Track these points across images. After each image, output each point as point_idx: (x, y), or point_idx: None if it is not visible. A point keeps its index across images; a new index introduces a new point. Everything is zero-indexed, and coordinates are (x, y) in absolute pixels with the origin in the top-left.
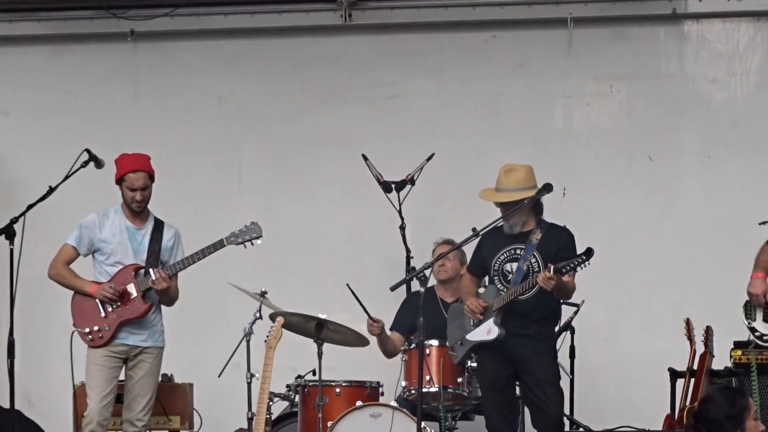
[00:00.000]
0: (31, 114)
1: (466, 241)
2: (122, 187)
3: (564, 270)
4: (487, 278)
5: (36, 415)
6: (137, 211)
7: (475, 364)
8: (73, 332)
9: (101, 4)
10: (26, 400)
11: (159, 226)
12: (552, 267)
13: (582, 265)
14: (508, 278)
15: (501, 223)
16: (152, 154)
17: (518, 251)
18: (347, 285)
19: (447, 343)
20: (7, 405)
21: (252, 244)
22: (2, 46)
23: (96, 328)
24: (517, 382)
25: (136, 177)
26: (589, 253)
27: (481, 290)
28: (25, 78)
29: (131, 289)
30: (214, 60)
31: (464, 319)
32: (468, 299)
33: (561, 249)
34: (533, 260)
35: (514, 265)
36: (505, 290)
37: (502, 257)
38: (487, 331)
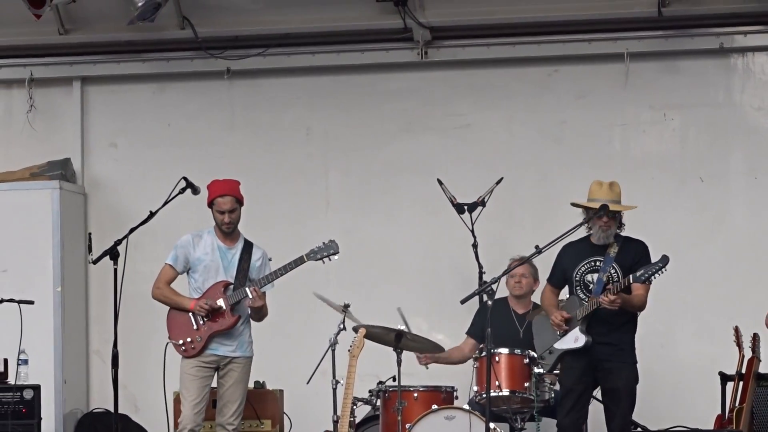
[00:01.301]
0: (136, 145)
1: (531, 257)
2: (213, 210)
3: (643, 278)
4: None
5: (142, 419)
6: (227, 232)
7: (540, 370)
8: (167, 344)
9: (200, 45)
10: (133, 405)
11: (248, 247)
12: (630, 277)
13: (659, 272)
14: (589, 288)
15: (577, 235)
16: (245, 181)
17: (598, 263)
18: (398, 309)
19: (536, 354)
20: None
21: (330, 259)
22: (111, 84)
23: (189, 339)
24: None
25: (223, 201)
26: (664, 260)
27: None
28: (131, 113)
29: (221, 303)
30: (302, 95)
31: (549, 330)
32: (552, 312)
33: (638, 261)
34: (612, 271)
35: (595, 275)
36: (586, 300)
37: (583, 268)
38: (575, 339)
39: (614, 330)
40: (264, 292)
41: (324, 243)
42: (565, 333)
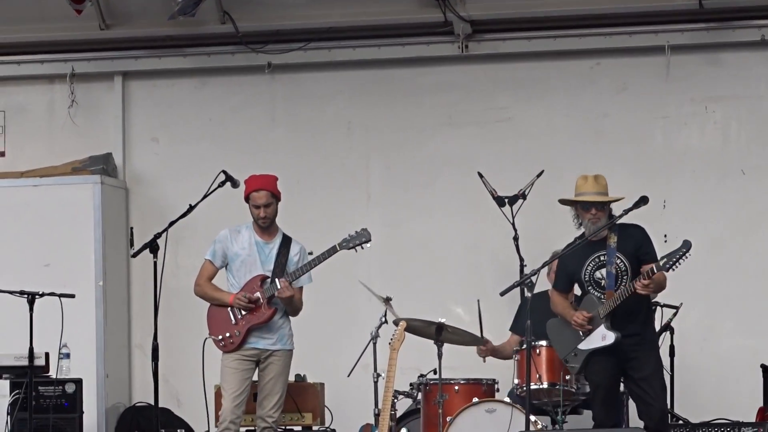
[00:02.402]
0: (177, 140)
1: (572, 248)
2: (249, 204)
3: (668, 266)
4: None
5: (184, 413)
6: (263, 226)
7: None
8: (206, 340)
9: (241, 40)
10: (175, 399)
11: (287, 241)
12: (655, 266)
13: (683, 258)
14: (601, 284)
15: (582, 234)
16: (286, 176)
17: (602, 257)
18: (478, 301)
19: (560, 356)
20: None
21: (362, 248)
22: (153, 79)
23: (228, 334)
24: (622, 378)
25: (258, 195)
26: (687, 245)
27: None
28: (173, 107)
29: (258, 296)
30: (344, 89)
31: (569, 333)
32: (572, 314)
33: (641, 245)
34: (618, 261)
35: (603, 271)
36: (602, 296)
37: (589, 267)
38: (602, 337)
39: (636, 322)
40: (293, 284)
41: (356, 231)
42: (588, 333)
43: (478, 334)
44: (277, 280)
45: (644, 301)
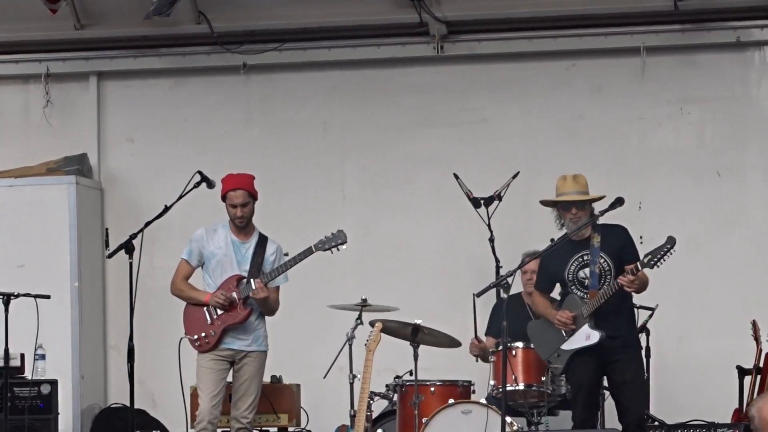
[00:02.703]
0: (153, 140)
1: (546, 250)
2: (226, 204)
3: (652, 263)
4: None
5: (159, 414)
6: (240, 226)
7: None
8: (181, 339)
9: (216, 40)
10: (151, 401)
11: (263, 241)
12: (639, 263)
13: (668, 254)
14: (585, 284)
15: (564, 235)
16: (262, 176)
17: (585, 257)
18: (473, 295)
19: (542, 357)
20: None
21: (338, 249)
22: (127, 79)
23: (203, 334)
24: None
25: (235, 194)
26: (671, 241)
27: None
28: (148, 108)
29: (234, 296)
30: (319, 89)
31: (551, 333)
32: (555, 313)
33: (624, 245)
34: (602, 261)
35: (587, 270)
36: (585, 296)
37: (573, 267)
38: (586, 336)
39: (619, 321)
40: (269, 285)
41: (332, 233)
42: (572, 332)
43: (470, 331)
44: (252, 280)
45: (627, 302)
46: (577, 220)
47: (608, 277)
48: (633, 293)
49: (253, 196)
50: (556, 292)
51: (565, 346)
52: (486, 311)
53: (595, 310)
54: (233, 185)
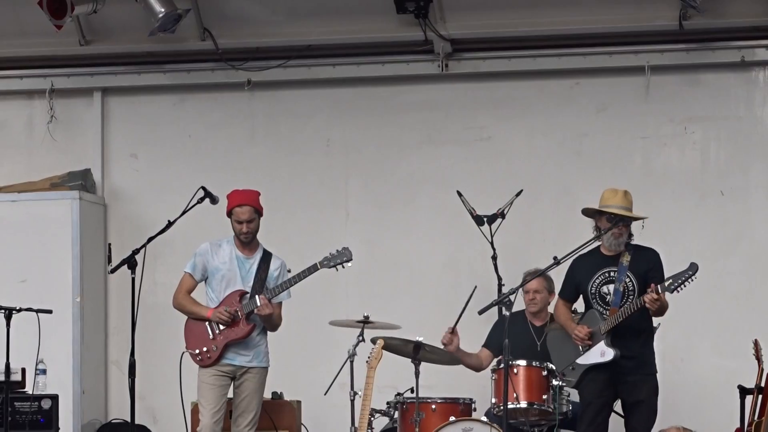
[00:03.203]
0: (156, 156)
1: (548, 269)
2: (231, 219)
3: (672, 288)
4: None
5: (160, 430)
6: (245, 241)
7: (558, 383)
8: (183, 354)
9: (221, 56)
10: (152, 417)
11: (267, 257)
12: (660, 287)
13: (689, 281)
14: (606, 300)
15: (590, 247)
16: (266, 192)
17: (612, 273)
18: (474, 287)
19: (556, 370)
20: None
21: (343, 267)
22: (132, 95)
23: (205, 349)
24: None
25: (242, 210)
26: (694, 268)
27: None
28: (152, 124)
29: (237, 312)
30: (323, 106)
31: (569, 346)
32: (574, 327)
33: (651, 268)
34: (627, 280)
35: (610, 287)
36: (605, 312)
37: (597, 281)
38: (601, 353)
39: (635, 341)
40: (273, 301)
41: (337, 250)
42: (588, 348)
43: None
44: (256, 296)
45: (646, 322)
46: (618, 236)
47: (631, 297)
48: (651, 315)
49: (258, 212)
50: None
51: (581, 361)
52: (485, 324)
53: (612, 327)
54: (240, 201)
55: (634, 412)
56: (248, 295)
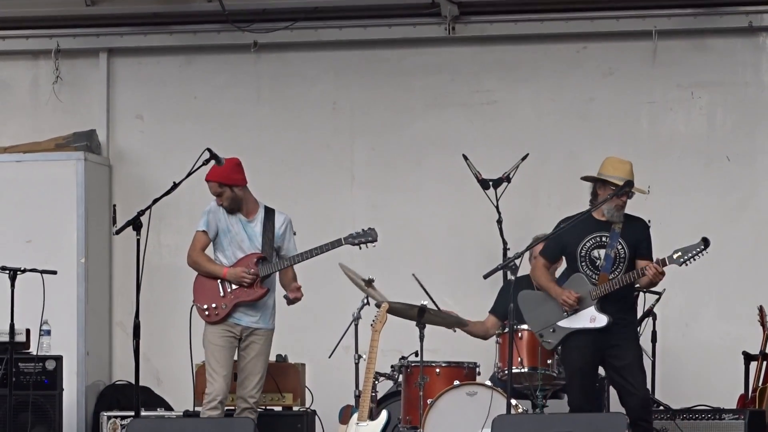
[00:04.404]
0: (162, 118)
1: (554, 232)
2: None
3: (682, 261)
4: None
5: (164, 392)
6: (228, 211)
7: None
8: (192, 307)
9: (227, 18)
10: (155, 378)
11: (270, 214)
12: (666, 259)
13: (700, 255)
14: (596, 264)
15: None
16: (271, 155)
17: (603, 238)
18: (413, 275)
19: (533, 330)
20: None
21: (367, 246)
22: (137, 56)
23: (213, 305)
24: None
25: (210, 186)
26: (706, 242)
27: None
28: (158, 85)
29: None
30: (329, 69)
31: (548, 307)
32: (559, 291)
33: (642, 240)
34: (620, 247)
35: (601, 251)
36: (594, 276)
37: (588, 244)
38: (591, 318)
39: (622, 309)
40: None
41: (363, 230)
42: (574, 312)
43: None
44: (289, 295)
45: (631, 291)
46: (621, 206)
47: (622, 264)
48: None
49: (228, 184)
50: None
51: (564, 324)
52: (491, 291)
53: (604, 293)
54: (207, 177)
55: (627, 375)
56: (263, 259)
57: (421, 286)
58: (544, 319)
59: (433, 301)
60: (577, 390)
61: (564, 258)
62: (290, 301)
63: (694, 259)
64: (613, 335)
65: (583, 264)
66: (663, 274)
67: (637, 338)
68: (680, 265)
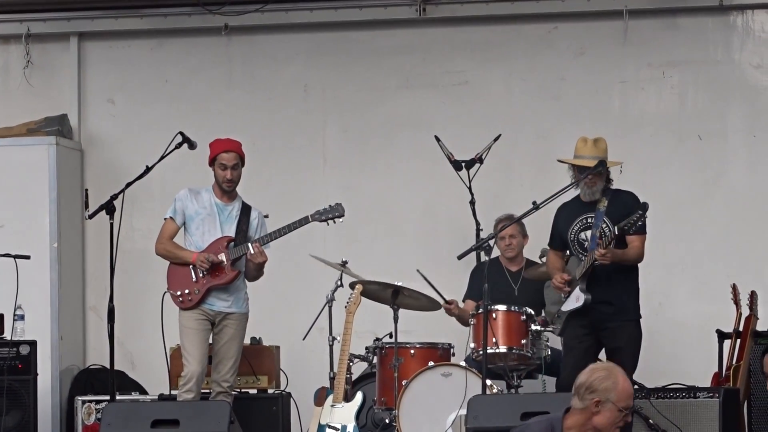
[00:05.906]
0: (133, 101)
1: (526, 214)
2: (215, 166)
3: (625, 228)
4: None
5: (138, 376)
6: (227, 190)
7: (537, 327)
8: (164, 294)
9: (198, 1)
10: (129, 362)
11: (246, 209)
12: (615, 229)
13: (640, 220)
14: (584, 246)
15: (573, 193)
16: (243, 138)
17: (589, 220)
18: (418, 270)
19: (548, 319)
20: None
21: (334, 222)
22: (108, 40)
23: (186, 291)
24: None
25: (228, 156)
26: (644, 206)
27: None
28: (129, 69)
29: (222, 257)
30: (300, 51)
31: (557, 295)
32: (554, 276)
33: (629, 213)
34: (604, 226)
35: (588, 233)
36: (584, 258)
37: (576, 227)
38: (576, 299)
39: (613, 287)
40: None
41: (330, 205)
42: (568, 294)
43: (449, 294)
44: (249, 244)
45: (624, 270)
46: (592, 185)
47: (610, 243)
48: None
49: (242, 159)
50: None
51: (563, 308)
52: (464, 272)
53: (587, 272)
54: (225, 147)
55: (614, 359)
56: (233, 243)
57: (427, 280)
58: (554, 307)
59: (442, 296)
60: (570, 368)
61: None
62: (255, 268)
63: (638, 224)
64: (608, 317)
65: (574, 248)
66: (607, 255)
67: (634, 322)
68: (627, 233)
